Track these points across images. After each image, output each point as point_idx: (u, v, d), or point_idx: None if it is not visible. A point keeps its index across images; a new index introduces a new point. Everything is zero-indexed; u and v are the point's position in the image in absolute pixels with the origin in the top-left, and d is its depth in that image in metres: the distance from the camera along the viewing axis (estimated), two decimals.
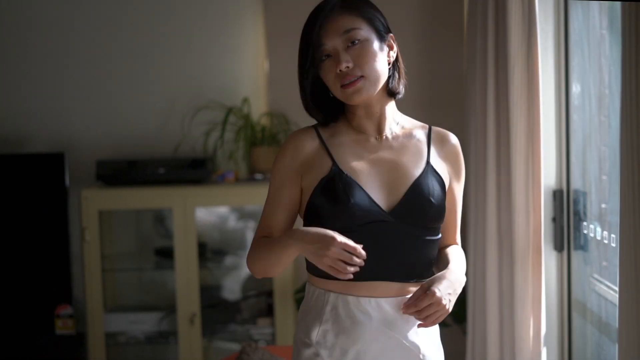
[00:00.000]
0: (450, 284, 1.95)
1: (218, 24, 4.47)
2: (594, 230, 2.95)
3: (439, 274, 1.97)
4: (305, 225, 2.02)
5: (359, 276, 1.93)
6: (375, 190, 1.96)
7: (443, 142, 2.08)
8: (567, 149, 3.11)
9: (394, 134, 2.05)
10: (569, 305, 3.13)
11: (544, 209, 3.00)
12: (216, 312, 4.41)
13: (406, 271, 1.99)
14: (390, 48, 2.02)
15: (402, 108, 2.19)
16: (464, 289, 3.82)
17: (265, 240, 2.01)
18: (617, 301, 2.67)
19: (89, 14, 4.51)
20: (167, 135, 4.48)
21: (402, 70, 2.05)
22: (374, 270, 1.97)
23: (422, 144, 2.05)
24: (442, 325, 2.27)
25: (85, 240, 4.20)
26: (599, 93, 2.85)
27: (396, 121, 2.07)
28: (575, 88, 3.09)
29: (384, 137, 2.03)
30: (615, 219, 2.69)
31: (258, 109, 4.45)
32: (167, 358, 4.42)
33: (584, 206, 3.04)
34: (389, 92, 2.03)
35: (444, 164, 2.07)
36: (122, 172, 4.26)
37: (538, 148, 2.88)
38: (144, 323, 4.35)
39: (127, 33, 4.50)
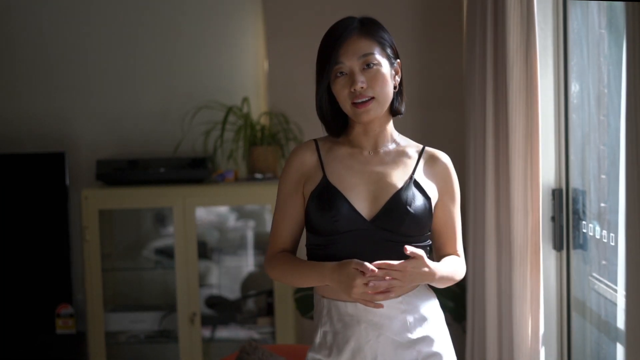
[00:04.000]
0: (424, 273, 2.10)
1: (218, 24, 4.48)
2: (593, 229, 2.95)
3: (430, 261, 2.13)
4: (308, 230, 2.22)
5: None
6: (359, 201, 2.15)
7: (433, 161, 2.25)
8: (566, 148, 3.12)
9: (387, 150, 2.23)
10: (568, 304, 3.13)
11: (542, 208, 3.00)
12: (216, 311, 4.41)
13: None
14: (397, 73, 2.20)
15: None
16: (464, 287, 3.82)
17: (292, 262, 2.20)
18: (616, 300, 2.68)
19: (89, 14, 4.51)
20: (167, 135, 4.48)
21: (404, 93, 2.24)
22: None
23: (412, 160, 2.23)
24: None
25: (86, 240, 4.21)
26: (598, 92, 2.86)
27: (392, 139, 2.25)
28: (574, 87, 3.09)
29: (378, 152, 2.22)
30: (614, 217, 2.70)
31: (258, 109, 4.46)
32: (168, 357, 4.42)
33: (583, 205, 3.05)
34: (392, 112, 2.23)
35: (432, 180, 2.23)
36: (122, 171, 4.26)
37: (536, 147, 2.88)
38: (144, 322, 4.36)
39: (127, 33, 4.51)
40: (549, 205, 3.12)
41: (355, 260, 2.07)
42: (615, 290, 2.69)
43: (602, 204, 2.87)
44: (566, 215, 3.11)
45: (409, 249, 2.06)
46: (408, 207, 2.13)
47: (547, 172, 3.10)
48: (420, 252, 2.08)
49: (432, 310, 2.23)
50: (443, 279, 2.18)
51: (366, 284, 2.04)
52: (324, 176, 2.18)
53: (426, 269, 2.09)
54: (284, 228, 2.24)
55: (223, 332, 4.36)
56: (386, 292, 2.07)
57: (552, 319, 3.13)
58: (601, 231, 2.86)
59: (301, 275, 2.17)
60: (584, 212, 3.05)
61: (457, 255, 2.29)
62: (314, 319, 2.25)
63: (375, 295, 2.06)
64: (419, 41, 4.29)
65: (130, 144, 4.52)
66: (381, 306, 2.08)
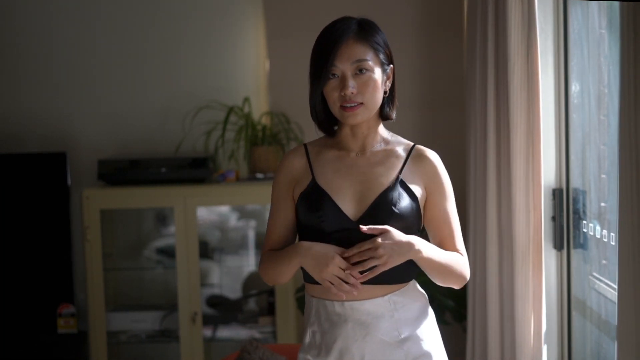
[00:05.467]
0: (400, 243, 2.09)
1: (219, 24, 4.49)
2: (593, 228, 2.96)
3: (404, 234, 2.12)
4: (298, 231, 2.25)
5: None
6: (345, 201, 2.16)
7: (421, 160, 2.24)
8: (566, 147, 3.12)
9: (375, 150, 2.24)
10: (568, 304, 3.14)
11: (543, 207, 3.01)
12: (217, 311, 4.42)
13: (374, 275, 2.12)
14: (388, 78, 2.21)
15: (403, 108, 2.27)
16: (465, 287, 3.83)
17: (273, 253, 2.25)
18: (616, 299, 2.68)
19: (91, 14, 4.52)
20: (168, 135, 4.49)
21: (396, 99, 2.25)
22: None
23: (399, 160, 2.23)
24: (442, 323, 2.30)
25: (87, 240, 4.21)
26: (598, 92, 2.86)
27: (381, 140, 2.25)
28: (574, 87, 3.10)
29: (365, 153, 2.23)
30: (614, 217, 2.70)
31: (259, 109, 4.47)
32: (169, 357, 4.43)
33: (584, 205, 3.06)
34: (382, 117, 2.24)
35: (420, 179, 2.22)
36: (123, 171, 4.27)
37: (538, 147, 2.89)
38: (146, 322, 4.37)
39: (128, 33, 4.52)
40: (549, 205, 3.13)
41: (339, 259, 2.09)
42: (615, 290, 2.69)
43: (602, 204, 2.87)
44: (566, 215, 3.12)
45: (363, 227, 2.07)
46: (393, 207, 2.14)
47: (547, 172, 3.11)
48: (383, 226, 2.08)
49: (421, 309, 2.23)
50: (434, 262, 2.15)
51: (342, 270, 2.07)
52: (313, 179, 2.20)
53: (401, 239, 2.08)
54: (275, 232, 2.26)
55: (224, 332, 4.36)
56: (364, 276, 2.08)
57: (553, 318, 3.14)
58: (601, 231, 2.86)
59: (277, 258, 2.19)
60: (584, 211, 3.06)
61: (459, 252, 2.25)
62: (304, 319, 2.27)
63: (343, 284, 2.08)
64: (419, 41, 4.30)
65: (132, 144, 4.53)
66: (343, 297, 2.10)
